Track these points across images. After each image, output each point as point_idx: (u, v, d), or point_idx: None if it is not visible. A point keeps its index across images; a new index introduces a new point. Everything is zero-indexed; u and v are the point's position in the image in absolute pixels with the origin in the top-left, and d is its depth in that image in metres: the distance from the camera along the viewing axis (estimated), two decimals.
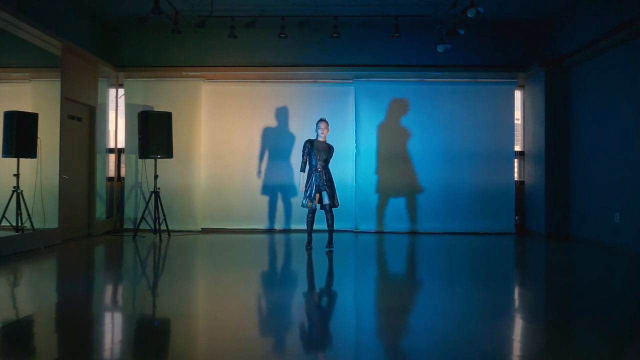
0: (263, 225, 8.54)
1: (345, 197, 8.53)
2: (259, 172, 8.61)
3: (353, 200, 8.53)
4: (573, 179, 7.73)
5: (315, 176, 6.20)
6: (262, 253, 6.62)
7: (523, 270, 5.89)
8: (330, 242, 6.29)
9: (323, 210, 6.35)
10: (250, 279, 4.98)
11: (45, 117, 6.65)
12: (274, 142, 8.63)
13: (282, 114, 8.63)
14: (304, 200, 6.27)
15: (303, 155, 6.28)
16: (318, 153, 6.21)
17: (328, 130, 6.33)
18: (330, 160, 6.42)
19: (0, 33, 5.78)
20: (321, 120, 6.34)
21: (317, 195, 6.23)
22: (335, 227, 6.72)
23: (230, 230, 8.50)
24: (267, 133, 8.63)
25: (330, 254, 6.15)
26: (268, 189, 8.58)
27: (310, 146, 6.22)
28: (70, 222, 7.10)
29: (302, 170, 6.33)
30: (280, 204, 8.58)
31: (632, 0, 6.19)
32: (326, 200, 6.19)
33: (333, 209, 6.30)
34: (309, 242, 6.41)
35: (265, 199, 8.57)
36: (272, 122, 8.64)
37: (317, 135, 6.31)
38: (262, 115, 8.64)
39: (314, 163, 6.22)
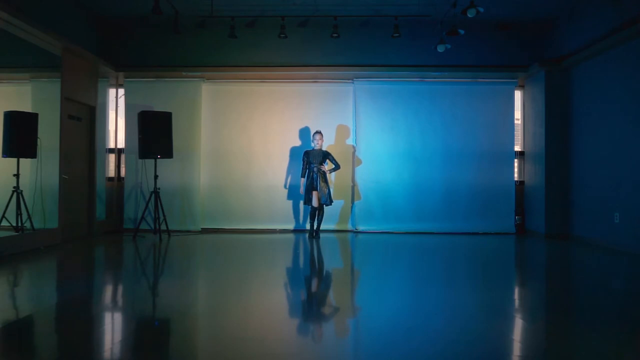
0: (263, 225, 8.54)
1: (345, 197, 8.57)
2: (259, 172, 8.61)
3: (353, 200, 8.54)
4: (573, 179, 7.73)
5: (312, 178, 7.54)
6: (262, 253, 6.63)
7: (523, 271, 5.89)
8: (317, 233, 7.70)
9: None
10: (250, 279, 4.98)
11: (45, 117, 6.65)
12: (274, 142, 8.63)
13: (282, 114, 8.63)
14: (305, 200, 7.68)
15: (303, 164, 7.68)
16: (314, 159, 7.59)
17: (322, 141, 7.70)
18: (332, 160, 7.66)
19: (0, 33, 5.78)
20: (316, 132, 7.69)
21: (314, 192, 7.50)
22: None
23: (230, 230, 8.50)
24: (267, 133, 8.63)
25: (317, 240, 7.49)
26: (268, 189, 8.58)
27: (307, 156, 7.64)
28: (70, 222, 7.10)
29: (302, 175, 7.70)
30: (280, 204, 8.59)
31: (632, 0, 6.20)
32: (315, 203, 7.50)
33: (326, 207, 7.79)
34: (312, 233, 7.65)
35: (266, 200, 8.57)
36: (272, 122, 8.64)
37: (314, 146, 7.65)
38: (262, 115, 8.64)
39: (311, 167, 7.58)
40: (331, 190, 7.98)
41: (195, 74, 8.47)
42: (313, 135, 7.72)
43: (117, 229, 8.38)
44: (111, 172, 8.77)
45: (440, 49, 7.45)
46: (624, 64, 6.48)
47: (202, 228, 8.50)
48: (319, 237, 7.67)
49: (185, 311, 3.72)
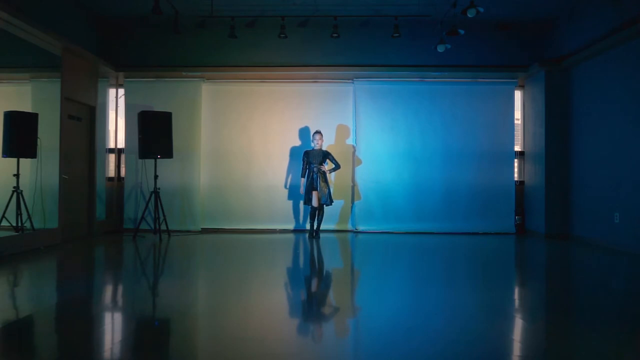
0: (263, 225, 8.54)
1: (345, 197, 8.57)
2: (259, 172, 8.61)
3: (353, 200, 8.54)
4: (573, 179, 7.73)
5: (312, 178, 7.53)
6: (262, 253, 6.63)
7: (523, 271, 5.89)
8: (317, 233, 7.69)
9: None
10: (250, 279, 4.98)
11: (45, 117, 6.65)
12: (274, 142, 8.63)
13: (282, 114, 8.63)
14: (305, 200, 7.68)
15: (302, 164, 7.67)
16: (314, 159, 7.58)
17: (322, 141, 7.68)
18: (332, 160, 7.66)
19: (0, 33, 5.78)
20: (316, 132, 7.67)
21: (314, 192, 7.49)
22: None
23: (230, 230, 8.50)
24: (267, 133, 8.63)
25: (317, 240, 7.48)
26: (268, 189, 8.58)
27: (307, 156, 7.64)
28: (70, 222, 7.10)
29: (302, 175, 7.70)
30: (280, 204, 8.58)
31: (632, 0, 6.20)
32: (315, 203, 7.49)
33: (326, 207, 7.79)
34: (312, 233, 7.65)
35: (266, 200, 8.57)
36: (272, 122, 8.64)
37: (314, 145, 7.64)
38: (262, 115, 8.64)
39: (311, 167, 7.57)
40: (331, 190, 7.97)
41: (195, 74, 8.48)
42: (313, 135, 7.72)
43: (117, 229, 8.38)
44: (111, 172, 8.77)
45: (440, 49, 7.45)
46: (624, 64, 6.48)
47: (202, 228, 8.50)
48: (319, 237, 7.67)
49: (185, 311, 3.72)
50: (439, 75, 8.44)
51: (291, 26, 8.11)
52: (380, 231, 8.43)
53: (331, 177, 8.35)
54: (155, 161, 7.60)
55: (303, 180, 7.71)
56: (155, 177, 7.54)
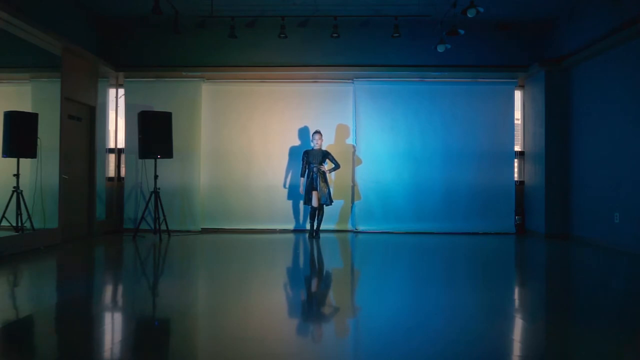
0: (263, 225, 8.54)
1: (345, 197, 8.57)
2: (259, 172, 8.61)
3: (353, 200, 8.54)
4: (573, 179, 7.73)
5: (312, 178, 7.52)
6: (262, 253, 6.63)
7: (523, 271, 5.89)
8: (317, 233, 7.67)
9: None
10: (250, 279, 4.98)
11: (45, 117, 6.65)
12: (274, 142, 8.63)
13: (282, 114, 8.63)
14: (305, 200, 7.67)
15: (302, 164, 7.65)
16: (314, 159, 7.57)
17: (322, 141, 7.69)
18: (331, 160, 7.66)
19: (0, 33, 5.78)
20: (316, 132, 7.67)
21: (314, 192, 7.48)
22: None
23: (230, 230, 8.50)
24: (267, 133, 8.63)
25: (317, 240, 7.48)
26: (268, 189, 8.58)
27: (307, 156, 7.62)
28: (70, 222, 7.10)
29: (302, 175, 7.70)
30: (280, 204, 8.58)
31: (632, 0, 6.20)
32: (315, 203, 7.48)
33: (326, 207, 7.79)
34: (312, 233, 7.65)
35: (266, 200, 8.57)
36: (272, 122, 8.64)
37: (314, 145, 7.65)
38: (262, 115, 8.64)
39: (311, 167, 7.57)
40: (331, 190, 7.98)
41: (195, 74, 8.48)
42: (312, 135, 7.72)
43: (117, 229, 8.38)
44: (111, 172, 8.77)
45: (440, 49, 7.44)
46: (624, 64, 6.48)
47: (202, 228, 8.50)
48: (319, 237, 7.67)
49: (185, 311, 3.72)
50: (439, 75, 8.44)
51: (291, 26, 8.11)
52: (380, 231, 8.43)
53: (331, 177, 8.35)
54: (155, 161, 7.60)
55: (302, 180, 7.71)
56: (155, 177, 7.54)
